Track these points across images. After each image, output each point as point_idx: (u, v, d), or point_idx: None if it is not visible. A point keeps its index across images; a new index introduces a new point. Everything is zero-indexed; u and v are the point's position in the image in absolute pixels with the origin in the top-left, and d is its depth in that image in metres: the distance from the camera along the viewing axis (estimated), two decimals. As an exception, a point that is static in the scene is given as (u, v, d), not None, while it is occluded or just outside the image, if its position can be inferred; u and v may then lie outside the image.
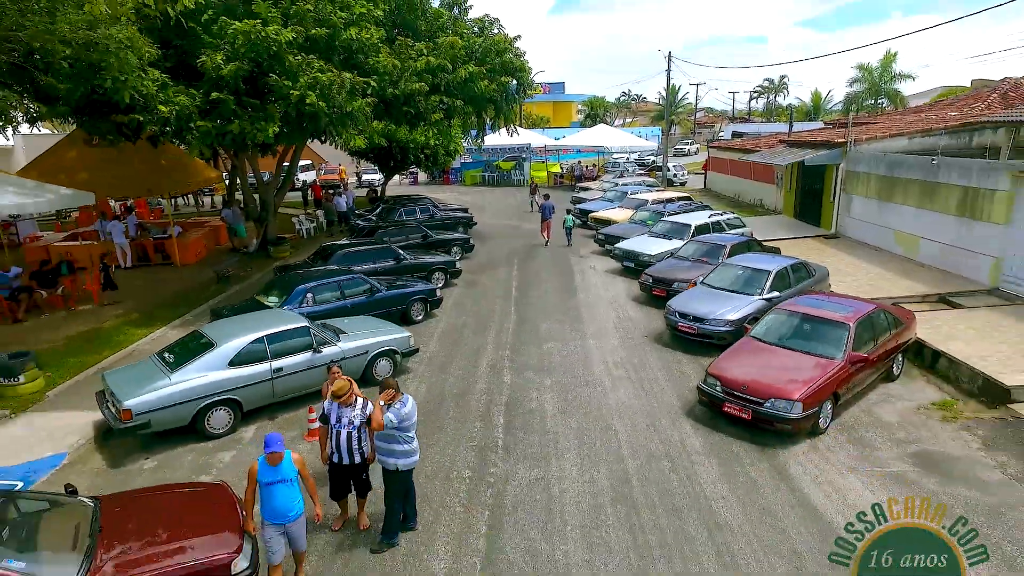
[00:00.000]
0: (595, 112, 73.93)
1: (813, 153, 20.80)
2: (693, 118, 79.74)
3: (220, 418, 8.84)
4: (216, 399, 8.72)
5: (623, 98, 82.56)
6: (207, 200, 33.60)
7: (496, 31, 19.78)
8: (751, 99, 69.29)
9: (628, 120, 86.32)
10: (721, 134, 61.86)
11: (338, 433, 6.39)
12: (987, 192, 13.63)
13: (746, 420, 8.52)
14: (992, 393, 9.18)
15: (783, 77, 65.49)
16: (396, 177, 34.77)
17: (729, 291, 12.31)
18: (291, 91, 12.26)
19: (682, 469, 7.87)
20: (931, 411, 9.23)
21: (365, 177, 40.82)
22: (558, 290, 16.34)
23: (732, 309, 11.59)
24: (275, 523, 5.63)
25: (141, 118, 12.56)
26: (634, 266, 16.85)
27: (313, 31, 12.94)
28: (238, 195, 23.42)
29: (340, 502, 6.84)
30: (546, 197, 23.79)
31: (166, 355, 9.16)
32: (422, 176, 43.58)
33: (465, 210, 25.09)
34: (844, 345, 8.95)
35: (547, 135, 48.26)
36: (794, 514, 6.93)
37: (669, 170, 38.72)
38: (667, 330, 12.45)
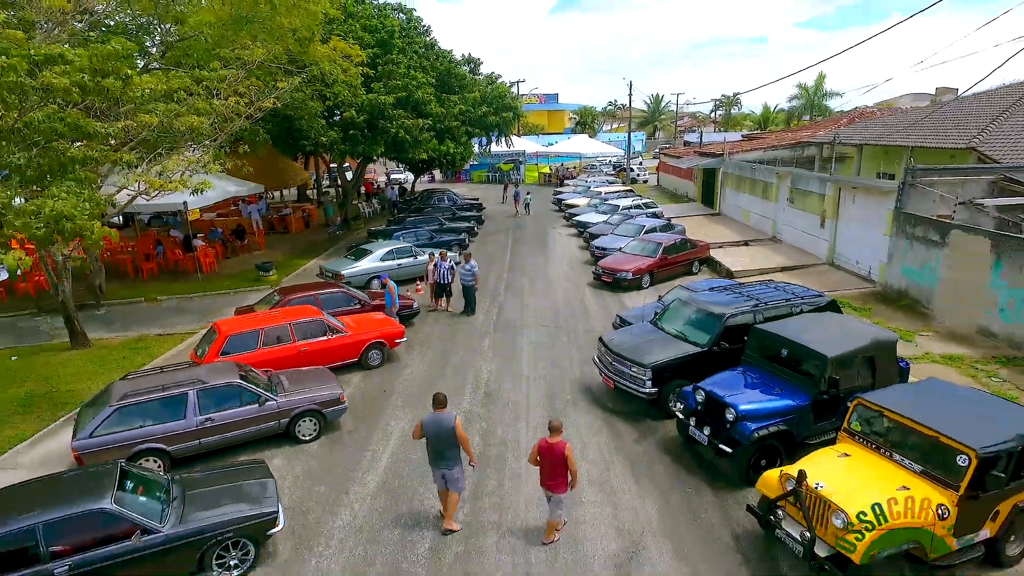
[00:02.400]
0: (584, 120, 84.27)
1: (706, 160, 31.57)
2: (675, 124, 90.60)
3: (375, 284, 19.63)
4: (374, 274, 19.51)
5: (609, 107, 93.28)
6: (286, 193, 44.32)
7: (500, 81, 30.68)
8: (712, 111, 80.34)
9: (615, 126, 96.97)
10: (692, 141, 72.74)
11: (440, 270, 17.16)
12: (769, 184, 24.44)
13: (610, 283, 19.35)
14: (728, 274, 19.96)
15: (736, 94, 76.84)
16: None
17: (623, 235, 23.10)
18: (390, 129, 23.06)
19: (580, 301, 18.69)
20: (700, 283, 20.03)
21: (393, 176, 51.59)
22: (537, 244, 27.17)
23: (622, 243, 22.35)
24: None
25: (306, 143, 23.43)
26: (583, 230, 27.62)
27: (400, 95, 23.73)
28: (310, 191, 34.15)
29: (437, 300, 17.63)
30: (516, 185, 36.59)
31: (348, 256, 20.01)
32: (438, 175, 54.35)
33: (476, 199, 35.94)
34: (658, 251, 19.75)
35: (541, 141, 58.96)
36: (616, 305, 17.70)
37: (633, 171, 49.56)
38: (591, 257, 23.26)
